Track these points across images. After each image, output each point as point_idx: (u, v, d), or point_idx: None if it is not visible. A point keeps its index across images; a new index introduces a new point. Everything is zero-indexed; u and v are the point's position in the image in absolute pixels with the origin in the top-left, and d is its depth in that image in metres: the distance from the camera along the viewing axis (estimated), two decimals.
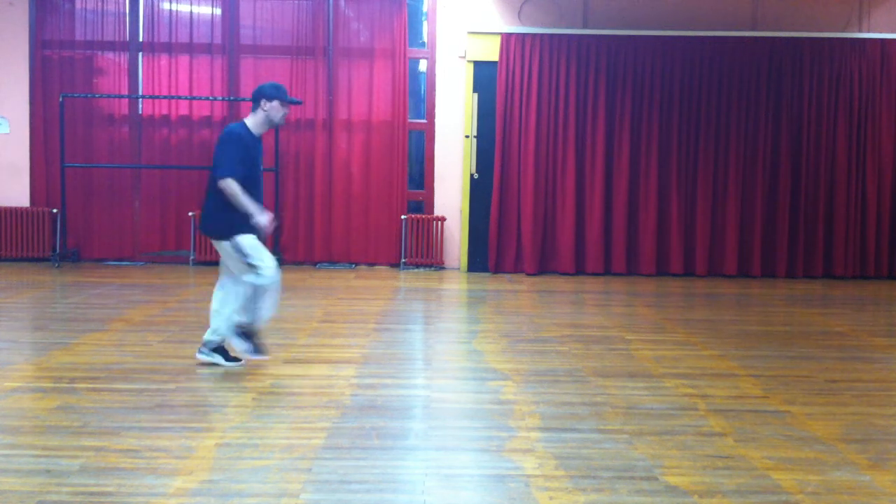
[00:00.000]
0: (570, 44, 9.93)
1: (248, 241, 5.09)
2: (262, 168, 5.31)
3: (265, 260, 5.08)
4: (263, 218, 5.07)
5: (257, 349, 5.24)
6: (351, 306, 7.66)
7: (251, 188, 5.11)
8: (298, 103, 5.59)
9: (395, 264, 10.27)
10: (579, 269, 10.07)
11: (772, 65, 10.00)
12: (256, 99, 5.23)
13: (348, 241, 10.29)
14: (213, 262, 10.07)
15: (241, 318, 5.20)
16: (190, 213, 10.05)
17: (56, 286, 8.47)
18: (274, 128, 5.33)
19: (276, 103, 5.20)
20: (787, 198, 10.04)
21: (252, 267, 5.07)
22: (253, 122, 5.23)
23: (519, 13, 10.08)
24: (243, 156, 5.07)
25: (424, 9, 10.33)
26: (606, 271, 10.08)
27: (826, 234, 10.14)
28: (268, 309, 5.18)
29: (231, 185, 5.00)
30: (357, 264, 10.34)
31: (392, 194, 10.20)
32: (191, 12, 10.18)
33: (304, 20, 10.14)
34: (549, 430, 4.13)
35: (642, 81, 9.99)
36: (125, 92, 10.22)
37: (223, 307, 5.20)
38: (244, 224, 5.07)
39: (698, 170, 10.05)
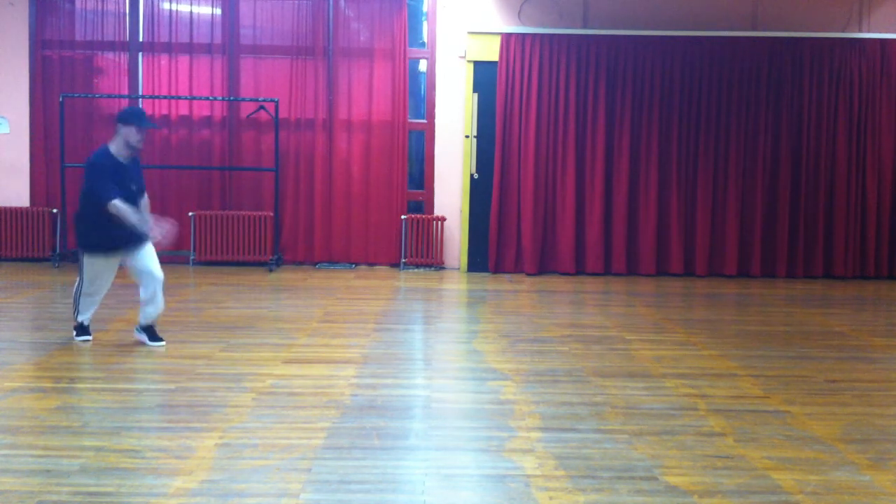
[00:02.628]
0: (570, 44, 9.93)
1: (96, 268, 5.71)
2: (138, 186, 5.76)
3: (97, 292, 5.82)
4: (154, 232, 5.69)
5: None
6: (351, 306, 7.66)
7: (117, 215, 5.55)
8: (154, 127, 6.07)
9: (395, 264, 10.27)
10: (579, 269, 10.07)
11: (772, 65, 10.00)
12: (116, 123, 5.71)
13: (348, 241, 10.29)
14: (213, 262, 10.09)
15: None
16: (190, 213, 10.05)
17: (56, 286, 8.47)
18: (133, 151, 5.69)
19: (132, 128, 5.60)
20: (787, 198, 10.04)
21: (79, 280, 5.77)
22: (115, 147, 5.65)
23: (519, 13, 10.08)
24: (114, 176, 5.54)
25: (424, 9, 10.33)
26: (606, 271, 10.08)
27: (826, 234, 10.14)
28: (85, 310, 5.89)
29: (117, 207, 5.49)
30: (357, 264, 10.34)
31: (392, 194, 10.20)
32: (191, 12, 10.18)
33: (304, 20, 10.14)
34: (549, 430, 4.13)
35: (642, 81, 9.99)
36: (125, 92, 10.22)
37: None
38: (103, 244, 5.66)
39: (698, 170, 10.05)
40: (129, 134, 5.60)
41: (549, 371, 5.32)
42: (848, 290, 9.35)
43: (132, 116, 5.67)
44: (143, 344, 5.82)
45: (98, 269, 5.72)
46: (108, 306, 7.41)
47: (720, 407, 4.57)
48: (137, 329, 5.89)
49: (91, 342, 5.88)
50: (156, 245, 5.83)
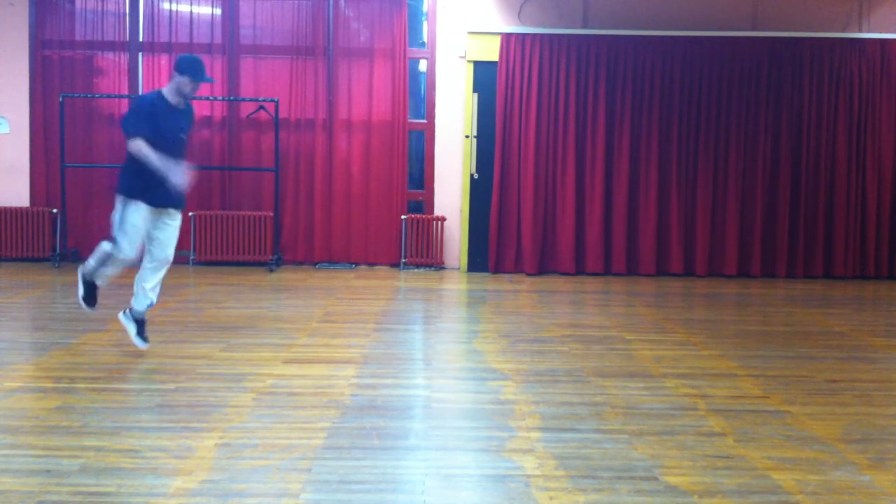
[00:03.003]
0: (570, 44, 9.93)
1: (130, 216, 5.28)
2: (178, 136, 5.42)
3: (124, 245, 5.30)
4: (175, 175, 5.20)
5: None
6: (351, 306, 7.66)
7: (161, 153, 5.22)
8: (209, 81, 5.63)
9: (395, 264, 10.27)
10: (579, 269, 10.07)
11: (772, 65, 10.00)
12: (173, 68, 5.42)
13: (348, 241, 10.30)
14: (213, 262, 10.09)
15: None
16: (190, 214, 10.04)
17: (56, 286, 8.47)
18: (185, 98, 5.44)
19: (185, 78, 5.33)
20: (787, 198, 10.04)
21: (114, 239, 5.33)
22: (167, 91, 5.41)
23: (519, 13, 10.08)
24: (149, 119, 5.24)
25: (424, 9, 10.33)
26: (606, 271, 10.09)
27: (826, 234, 10.14)
28: (107, 274, 5.51)
29: (138, 144, 5.16)
30: (357, 264, 10.34)
31: (392, 194, 10.21)
32: (191, 12, 10.18)
33: (304, 20, 10.14)
34: (549, 430, 4.13)
35: (642, 81, 9.99)
36: (125, 92, 10.22)
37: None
38: (136, 191, 5.28)
39: (698, 170, 10.05)
40: (183, 83, 5.33)
41: (549, 371, 5.32)
42: (848, 290, 9.35)
43: (188, 68, 5.33)
44: (125, 332, 5.57)
45: (131, 216, 5.27)
46: (108, 306, 7.41)
47: (720, 407, 4.57)
48: (126, 314, 5.57)
49: (94, 311, 5.63)
50: (179, 190, 5.36)
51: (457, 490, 3.40)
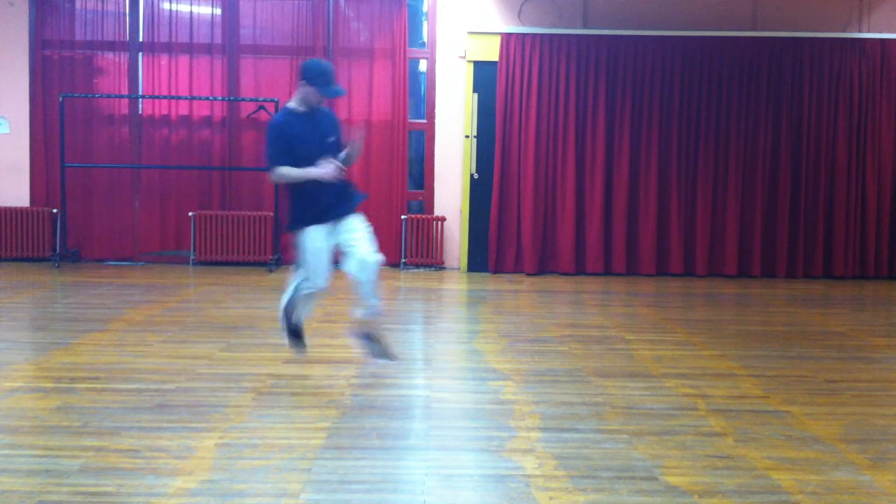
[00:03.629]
0: (570, 44, 9.93)
1: (308, 245, 4.96)
2: (326, 142, 4.93)
3: (313, 275, 4.98)
4: (324, 170, 4.78)
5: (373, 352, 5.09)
6: (351, 306, 7.64)
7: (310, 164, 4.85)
8: (339, 95, 5.14)
9: (395, 264, 10.27)
10: (579, 269, 10.07)
11: (772, 65, 10.00)
12: (299, 75, 4.96)
13: None
14: (213, 262, 10.09)
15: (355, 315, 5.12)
16: (190, 214, 10.05)
17: (56, 286, 8.47)
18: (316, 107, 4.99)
19: (312, 89, 4.88)
20: (787, 198, 10.04)
21: (302, 274, 5.01)
22: (295, 101, 4.99)
23: (519, 13, 10.08)
24: (285, 145, 4.86)
25: (424, 9, 10.33)
26: (606, 271, 10.08)
27: (826, 234, 10.14)
28: (306, 312, 5.26)
29: (278, 173, 4.87)
30: None
31: (392, 194, 10.20)
32: (191, 12, 10.18)
33: (304, 20, 10.14)
34: (549, 430, 4.13)
35: (642, 81, 9.99)
36: (125, 92, 10.22)
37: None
38: (304, 218, 4.94)
39: (698, 170, 10.05)
40: (308, 94, 4.88)
41: (549, 371, 5.32)
42: (848, 290, 9.35)
43: (315, 78, 4.86)
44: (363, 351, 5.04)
45: (310, 244, 4.94)
46: (108, 306, 7.42)
47: (720, 407, 4.57)
48: (355, 333, 5.10)
49: (306, 353, 5.25)
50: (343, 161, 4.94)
51: (457, 490, 3.40)
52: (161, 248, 10.32)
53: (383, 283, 9.24)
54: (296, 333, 5.27)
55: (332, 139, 4.99)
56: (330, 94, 4.98)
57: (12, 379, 4.90)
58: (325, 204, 4.93)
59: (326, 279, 5.03)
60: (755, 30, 10.06)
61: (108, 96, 10.17)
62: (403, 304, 8.07)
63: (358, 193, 5.28)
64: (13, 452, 3.71)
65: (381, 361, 5.05)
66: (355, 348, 5.18)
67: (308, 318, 5.27)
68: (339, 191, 4.97)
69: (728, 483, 3.47)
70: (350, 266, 5.01)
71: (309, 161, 4.85)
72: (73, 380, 4.89)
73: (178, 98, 10.05)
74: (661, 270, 10.11)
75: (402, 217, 10.13)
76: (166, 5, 10.21)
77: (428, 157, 10.35)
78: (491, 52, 10.00)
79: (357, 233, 5.02)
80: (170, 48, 10.12)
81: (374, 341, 5.09)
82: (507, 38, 9.93)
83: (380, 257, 5.03)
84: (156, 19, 10.16)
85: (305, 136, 4.90)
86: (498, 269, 10.08)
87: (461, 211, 10.25)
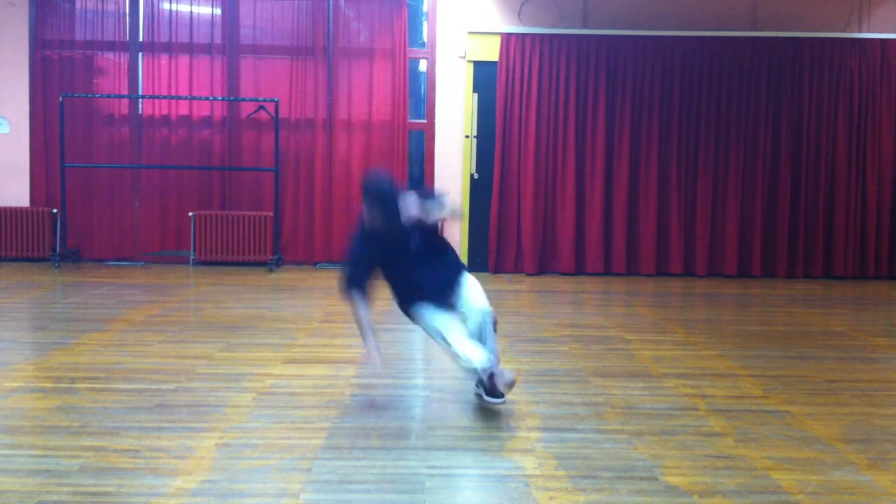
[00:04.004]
0: (570, 44, 9.93)
1: (426, 321, 4.45)
2: (408, 247, 4.45)
3: (454, 344, 4.29)
4: (370, 355, 4.43)
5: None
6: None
7: (400, 279, 4.53)
8: (394, 218, 4.38)
9: None
10: (579, 269, 10.07)
11: (772, 65, 10.00)
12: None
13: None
14: (212, 262, 10.09)
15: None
16: (190, 214, 10.05)
17: (56, 286, 8.47)
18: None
19: (364, 206, 4.41)
20: (787, 198, 10.04)
21: (449, 352, 4.38)
22: (365, 217, 4.50)
23: (519, 13, 10.08)
24: (364, 264, 4.47)
25: (424, 9, 10.33)
26: (606, 271, 10.08)
27: (826, 234, 10.14)
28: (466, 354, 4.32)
29: (350, 307, 4.53)
30: None
31: None
32: (191, 12, 10.18)
33: (304, 20, 10.14)
34: (549, 430, 4.13)
35: (642, 81, 9.99)
36: (125, 92, 10.22)
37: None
38: (411, 302, 4.53)
39: (698, 170, 10.05)
40: (368, 217, 4.39)
41: (549, 371, 5.32)
42: (848, 290, 9.35)
43: (364, 197, 4.41)
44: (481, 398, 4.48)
45: (426, 320, 4.47)
46: (107, 306, 7.42)
47: (720, 407, 4.57)
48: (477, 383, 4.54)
49: (503, 400, 4.37)
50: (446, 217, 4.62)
51: (457, 490, 3.40)
52: (161, 248, 10.32)
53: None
54: (492, 389, 4.38)
55: (414, 241, 4.52)
56: (381, 214, 4.38)
57: (12, 379, 4.90)
58: (426, 289, 4.52)
59: (467, 343, 4.30)
60: (755, 30, 10.06)
61: (108, 96, 10.17)
62: None
63: (457, 263, 4.77)
64: (13, 452, 3.71)
65: (493, 401, 4.41)
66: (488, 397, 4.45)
67: (486, 370, 4.33)
68: (434, 274, 4.52)
69: (728, 483, 3.47)
70: (470, 320, 4.46)
71: (399, 277, 4.54)
72: (72, 380, 4.89)
73: (178, 98, 10.05)
74: (661, 270, 10.11)
75: None
76: (166, 5, 10.21)
77: (428, 157, 10.35)
78: (491, 52, 10.00)
79: (463, 288, 4.58)
80: (170, 48, 10.12)
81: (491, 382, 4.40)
82: (507, 38, 9.93)
83: (490, 309, 4.50)
84: (156, 19, 10.16)
85: (388, 249, 4.51)
86: (498, 269, 10.08)
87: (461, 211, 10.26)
